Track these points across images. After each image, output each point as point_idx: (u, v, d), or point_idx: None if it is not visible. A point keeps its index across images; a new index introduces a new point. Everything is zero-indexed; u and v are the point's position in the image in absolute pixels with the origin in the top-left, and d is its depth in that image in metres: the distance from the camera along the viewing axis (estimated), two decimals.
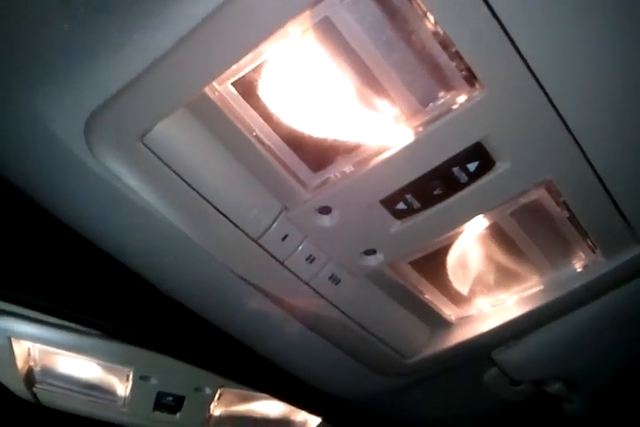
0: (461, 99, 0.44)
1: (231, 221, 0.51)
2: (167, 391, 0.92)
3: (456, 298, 0.64)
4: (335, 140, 0.48)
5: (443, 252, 0.59)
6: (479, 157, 0.47)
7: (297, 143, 0.48)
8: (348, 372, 0.69)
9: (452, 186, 0.49)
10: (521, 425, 0.90)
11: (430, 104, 0.45)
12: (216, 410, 0.99)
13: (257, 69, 0.44)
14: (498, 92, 0.43)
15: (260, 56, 0.43)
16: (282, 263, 0.55)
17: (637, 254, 0.56)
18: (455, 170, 0.48)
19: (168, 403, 0.93)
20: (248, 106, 0.46)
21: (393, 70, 0.44)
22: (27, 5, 0.40)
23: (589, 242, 0.57)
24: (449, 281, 0.62)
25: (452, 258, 0.59)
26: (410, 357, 0.66)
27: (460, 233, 0.57)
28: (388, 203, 0.51)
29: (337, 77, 0.45)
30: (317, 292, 0.58)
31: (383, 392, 0.75)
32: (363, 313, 0.62)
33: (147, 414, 0.96)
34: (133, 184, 0.47)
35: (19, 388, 0.96)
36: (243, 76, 0.44)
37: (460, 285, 0.62)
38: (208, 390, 0.93)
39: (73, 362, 0.94)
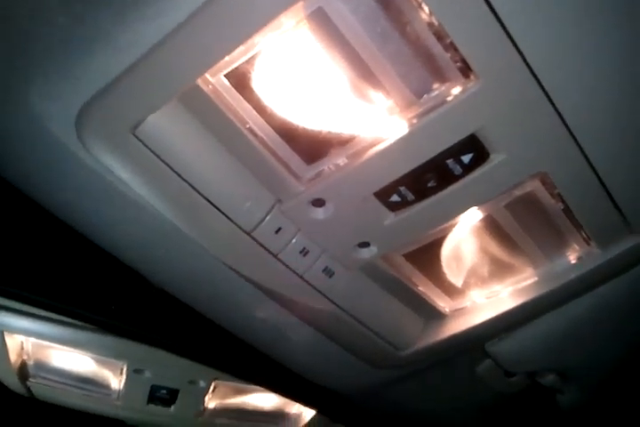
0: (456, 90, 0.44)
1: (224, 213, 0.50)
2: (161, 384, 0.92)
3: (450, 290, 0.64)
4: (329, 132, 0.48)
5: (437, 244, 0.59)
6: (473, 149, 0.47)
7: (290, 135, 0.48)
8: (342, 364, 0.69)
9: (446, 178, 0.49)
10: (516, 418, 0.90)
11: (425, 96, 0.45)
12: (210, 403, 0.99)
13: (250, 61, 0.43)
14: (493, 83, 0.42)
15: (253, 47, 0.42)
16: (275, 256, 0.54)
17: (632, 246, 0.56)
18: (449, 162, 0.48)
19: (162, 396, 0.93)
20: (241, 98, 0.46)
21: (387, 62, 0.43)
22: None
23: (584, 234, 0.57)
24: (443, 273, 0.62)
25: (446, 250, 0.59)
26: (404, 349, 0.66)
27: (454, 225, 0.57)
28: (382, 195, 0.51)
29: (331, 69, 0.44)
30: (311, 284, 0.57)
31: (377, 384, 0.75)
32: (356, 305, 0.61)
33: (141, 407, 0.96)
34: (125, 177, 0.46)
35: (12, 382, 0.96)
36: (236, 68, 0.44)
37: (454, 277, 0.62)
38: (202, 383, 0.93)
39: (66, 356, 0.94)
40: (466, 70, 0.43)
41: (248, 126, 0.48)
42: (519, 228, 0.57)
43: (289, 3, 0.38)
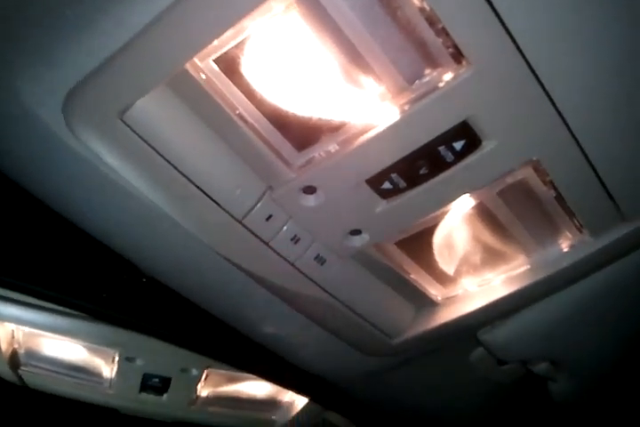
0: (448, 76, 0.44)
1: (214, 200, 0.50)
2: (153, 373, 0.92)
3: (442, 278, 0.64)
4: (320, 118, 0.47)
5: (429, 232, 0.58)
6: (465, 136, 0.47)
7: (281, 122, 0.48)
8: (334, 352, 0.69)
9: (438, 165, 0.49)
10: (509, 407, 0.91)
11: (416, 82, 0.45)
12: (203, 391, 0.99)
13: (239, 46, 0.43)
14: (484, 69, 0.42)
15: (242, 32, 0.42)
16: (266, 244, 0.54)
17: (624, 234, 0.56)
18: (441, 149, 0.48)
19: (154, 384, 0.93)
20: (230, 83, 0.45)
21: (379, 47, 0.43)
22: None
23: (576, 221, 0.57)
24: (435, 261, 0.62)
25: (438, 238, 0.59)
26: (396, 337, 0.66)
27: (446, 213, 0.56)
28: (374, 182, 0.50)
29: (321, 54, 0.44)
30: (303, 272, 0.57)
31: (369, 373, 0.75)
32: (348, 293, 0.61)
33: (133, 395, 0.96)
34: (113, 163, 0.46)
35: (4, 370, 0.96)
36: (225, 53, 0.43)
37: (446, 265, 0.62)
38: (194, 371, 0.93)
39: (58, 344, 0.94)
40: (458, 56, 0.42)
41: (238, 112, 0.47)
42: (511, 215, 0.57)
43: None
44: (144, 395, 0.95)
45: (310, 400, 0.98)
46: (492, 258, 0.62)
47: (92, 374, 0.96)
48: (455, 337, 0.70)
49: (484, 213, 0.57)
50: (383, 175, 0.50)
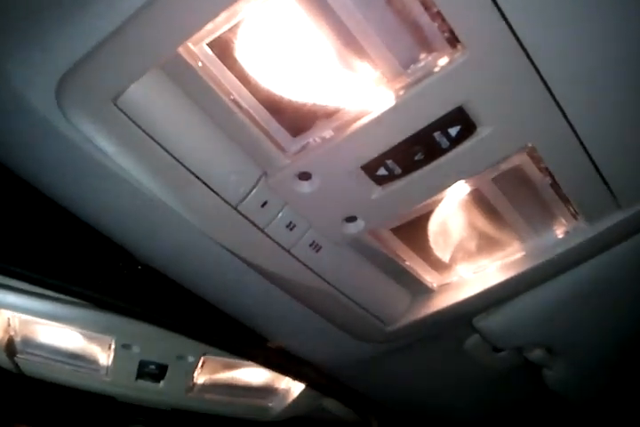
0: (443, 61, 0.44)
1: (209, 187, 0.50)
2: (150, 360, 0.92)
3: (437, 265, 0.64)
4: (315, 104, 0.47)
5: (424, 218, 0.58)
6: (460, 122, 0.47)
7: (275, 107, 0.47)
8: (331, 339, 0.69)
9: (434, 151, 0.49)
10: (504, 394, 0.91)
11: (412, 66, 0.44)
12: (199, 378, 0.99)
13: (233, 29, 0.42)
14: (480, 54, 0.42)
15: (236, 15, 0.41)
16: (262, 230, 0.54)
17: (619, 221, 0.56)
18: (436, 135, 0.48)
19: (151, 371, 0.94)
20: (224, 68, 0.45)
21: (374, 31, 0.42)
22: None
23: (571, 208, 0.57)
24: (430, 248, 0.62)
25: (433, 225, 0.59)
26: (391, 323, 0.66)
27: (441, 200, 0.56)
28: (369, 169, 0.50)
29: (316, 38, 0.44)
30: (298, 259, 0.57)
31: (365, 359, 0.75)
32: (344, 280, 0.61)
33: (130, 383, 0.96)
34: (107, 148, 0.46)
35: (0, 358, 0.95)
36: (219, 37, 0.43)
37: (442, 251, 0.62)
38: (191, 358, 0.93)
39: (54, 331, 0.94)
40: (453, 40, 0.42)
41: (232, 98, 0.47)
42: (507, 202, 0.57)
43: None
44: (141, 382, 0.95)
45: (307, 387, 0.98)
46: (487, 245, 0.62)
47: (88, 361, 0.96)
48: (451, 324, 0.70)
49: (480, 200, 0.57)
50: (378, 161, 0.50)
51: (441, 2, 0.39)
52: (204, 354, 0.93)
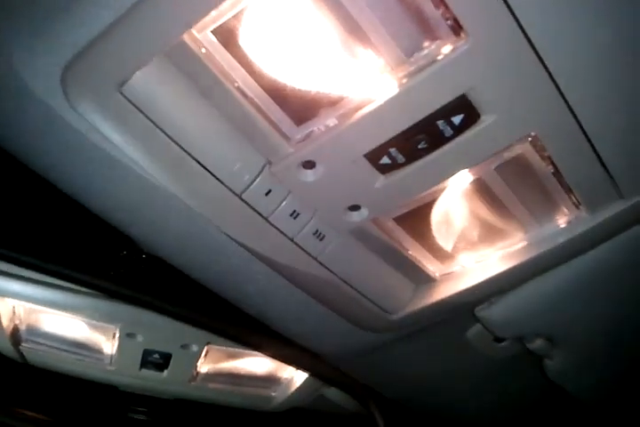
0: (446, 49, 0.44)
1: (213, 175, 0.50)
2: (154, 349, 0.93)
3: (440, 254, 0.65)
4: (318, 92, 0.47)
5: (427, 208, 0.58)
6: (464, 110, 0.47)
7: (279, 95, 0.47)
8: (333, 328, 0.69)
9: (437, 140, 0.49)
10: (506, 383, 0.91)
11: (415, 54, 0.44)
12: (203, 367, 1.00)
13: (237, 16, 0.42)
14: (483, 42, 0.42)
15: (240, 2, 0.41)
16: (266, 219, 0.54)
17: (621, 210, 0.56)
18: (440, 123, 0.48)
19: (155, 360, 0.94)
20: (229, 55, 0.45)
21: (377, 19, 0.42)
22: None
23: (573, 198, 0.57)
24: (433, 237, 0.62)
25: (436, 214, 0.59)
26: (394, 312, 0.67)
27: (444, 189, 0.57)
28: (373, 157, 0.50)
29: (320, 26, 0.44)
30: (302, 248, 0.57)
31: (368, 348, 0.76)
32: (347, 269, 0.62)
33: (134, 372, 0.97)
34: (112, 136, 0.46)
35: (5, 347, 0.96)
36: (223, 24, 0.43)
37: (444, 241, 0.63)
38: (195, 347, 0.94)
39: (59, 320, 0.95)
40: (457, 28, 0.42)
41: (237, 85, 0.47)
42: (509, 191, 0.57)
43: None
44: (144, 371, 0.96)
45: (309, 376, 0.99)
46: (489, 234, 0.62)
47: (92, 350, 0.97)
48: (453, 313, 0.70)
49: (482, 189, 0.57)
50: (382, 150, 0.50)
51: None
52: (207, 343, 0.94)
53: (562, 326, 0.73)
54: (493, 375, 0.88)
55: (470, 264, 0.65)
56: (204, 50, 0.45)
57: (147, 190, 0.51)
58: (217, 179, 0.50)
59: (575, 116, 0.47)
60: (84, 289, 0.78)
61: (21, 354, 0.97)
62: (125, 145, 0.47)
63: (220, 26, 0.43)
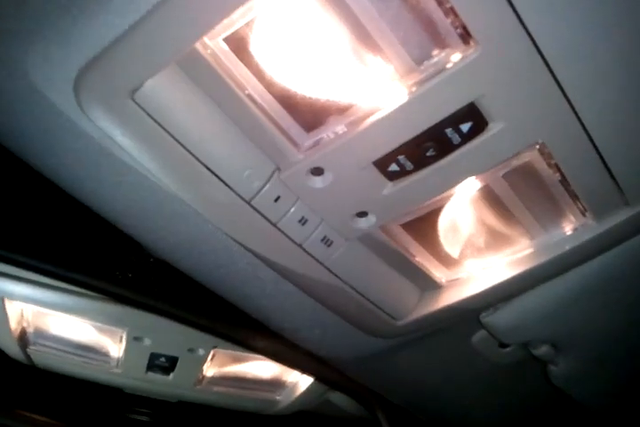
0: (456, 57, 0.44)
1: (223, 181, 0.50)
2: (160, 352, 0.93)
3: (446, 261, 0.65)
4: (328, 99, 0.48)
5: (434, 214, 0.59)
6: (472, 118, 0.47)
7: (289, 102, 0.48)
8: (340, 333, 0.69)
9: (445, 147, 0.49)
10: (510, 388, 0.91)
11: (424, 62, 0.45)
12: (209, 371, 1.00)
13: (249, 24, 0.43)
14: (492, 50, 0.42)
15: (252, 10, 0.42)
16: (274, 225, 0.54)
17: (627, 218, 0.56)
18: (448, 131, 0.48)
19: (161, 364, 0.94)
20: (240, 63, 0.45)
21: (387, 27, 0.43)
22: None
23: (580, 205, 0.57)
24: (440, 244, 0.62)
25: (443, 221, 0.60)
26: (400, 318, 0.67)
27: (451, 196, 0.57)
28: (381, 164, 0.51)
29: (331, 34, 0.44)
30: (309, 254, 0.58)
31: (374, 354, 0.76)
32: (354, 275, 0.62)
33: (140, 375, 0.97)
34: (123, 143, 0.46)
35: (13, 349, 0.97)
36: (235, 32, 0.43)
37: (451, 247, 0.63)
38: (201, 351, 0.94)
39: (66, 323, 0.95)
40: (466, 37, 0.43)
41: (247, 92, 0.47)
42: (516, 198, 0.57)
43: None
44: (151, 374, 0.96)
45: (315, 380, 0.99)
46: (496, 241, 0.62)
47: (99, 353, 0.97)
48: (458, 319, 0.70)
49: (489, 197, 0.57)
50: (390, 157, 0.50)
51: None
52: (214, 347, 0.94)
53: (567, 333, 0.73)
54: (498, 381, 0.88)
55: (477, 271, 0.65)
56: (215, 57, 0.45)
57: (156, 196, 0.51)
58: (226, 185, 0.50)
59: (583, 125, 0.48)
60: (91, 293, 0.79)
61: (29, 356, 0.98)
62: (136, 151, 0.47)
63: (232, 34, 0.43)
